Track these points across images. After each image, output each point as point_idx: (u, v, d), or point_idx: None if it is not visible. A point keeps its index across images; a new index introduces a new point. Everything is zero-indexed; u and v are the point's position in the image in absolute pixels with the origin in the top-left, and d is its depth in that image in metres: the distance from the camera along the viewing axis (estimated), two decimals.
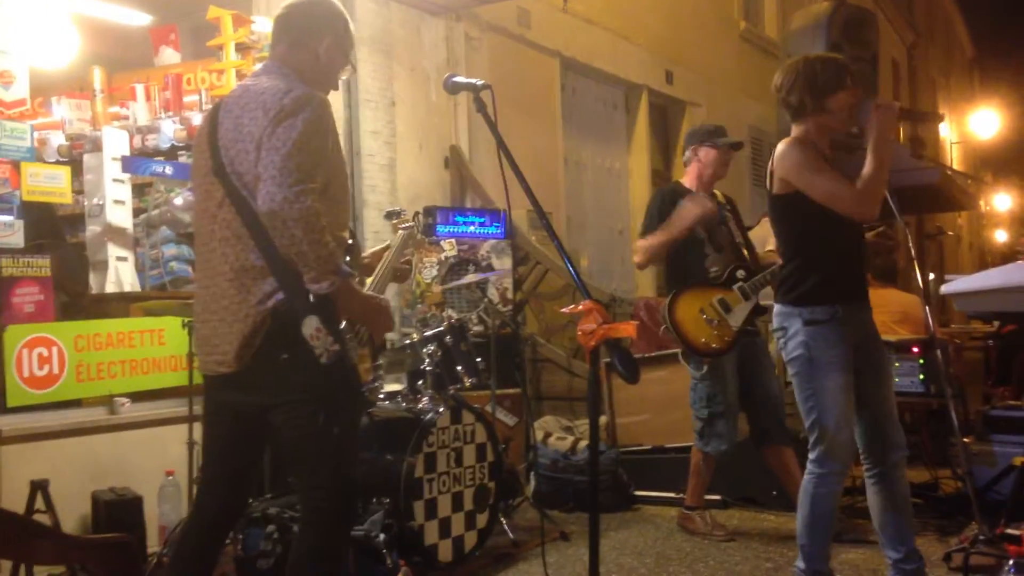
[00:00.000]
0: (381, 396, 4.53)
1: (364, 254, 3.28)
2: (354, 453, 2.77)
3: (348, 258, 2.76)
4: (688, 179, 4.81)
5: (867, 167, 3.23)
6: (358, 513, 3.65)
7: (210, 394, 2.85)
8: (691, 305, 4.54)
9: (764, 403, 4.68)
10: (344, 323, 2.65)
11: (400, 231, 3.64)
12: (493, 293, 6.04)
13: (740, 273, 4.56)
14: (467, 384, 4.41)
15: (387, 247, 3.48)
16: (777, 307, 3.43)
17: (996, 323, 7.60)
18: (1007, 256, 21.00)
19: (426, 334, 4.46)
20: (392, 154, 6.53)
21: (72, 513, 4.18)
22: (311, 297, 2.58)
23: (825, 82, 3.29)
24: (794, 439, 4.65)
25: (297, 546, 2.81)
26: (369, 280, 3.29)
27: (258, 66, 3.35)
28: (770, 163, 3.40)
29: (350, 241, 2.84)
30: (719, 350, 4.53)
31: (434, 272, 6.04)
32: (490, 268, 6.11)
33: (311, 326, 2.56)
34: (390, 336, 6.17)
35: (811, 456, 3.35)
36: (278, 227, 2.51)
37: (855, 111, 3.32)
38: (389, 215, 3.89)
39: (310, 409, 2.62)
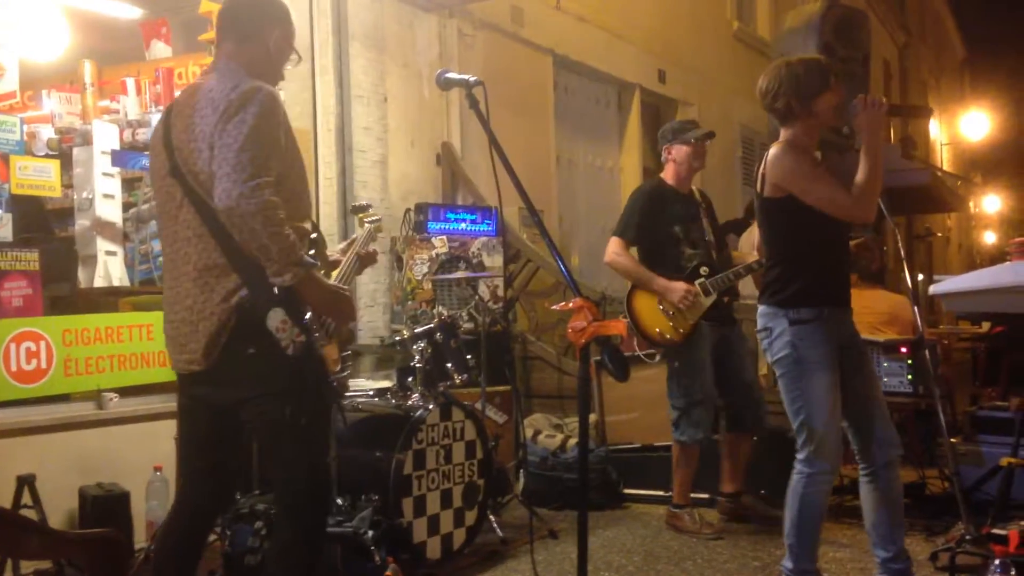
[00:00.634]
0: (370, 392, 4.54)
1: (331, 252, 3.27)
2: (325, 443, 2.82)
3: (312, 251, 2.77)
4: (668, 176, 4.88)
5: (861, 171, 3.24)
6: (333, 503, 3.64)
7: (183, 390, 2.86)
8: (650, 296, 4.67)
9: (737, 389, 4.78)
10: (310, 314, 2.65)
11: (366, 225, 3.61)
12: (484, 290, 6.03)
13: (704, 269, 4.68)
14: (457, 381, 4.41)
15: (353, 241, 3.47)
16: (762, 308, 3.45)
17: (987, 324, 7.63)
18: (996, 258, 21.11)
19: (416, 331, 4.46)
20: (384, 150, 6.52)
21: (59, 508, 4.16)
22: (275, 290, 2.59)
23: (809, 85, 3.31)
24: (782, 435, 4.68)
25: (275, 538, 2.82)
26: (335, 273, 3.28)
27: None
28: (761, 166, 3.41)
29: (314, 235, 2.85)
30: (672, 341, 4.66)
31: (425, 269, 6.04)
32: (481, 266, 6.10)
33: (276, 318, 2.58)
34: (380, 332, 6.17)
35: (799, 456, 3.36)
36: (237, 223, 2.52)
37: (841, 109, 3.34)
38: (355, 209, 3.85)
39: (279, 402, 2.63)
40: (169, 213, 2.74)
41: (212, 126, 2.58)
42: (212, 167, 2.56)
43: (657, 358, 4.85)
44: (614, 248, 4.76)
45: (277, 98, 2.69)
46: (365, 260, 3.43)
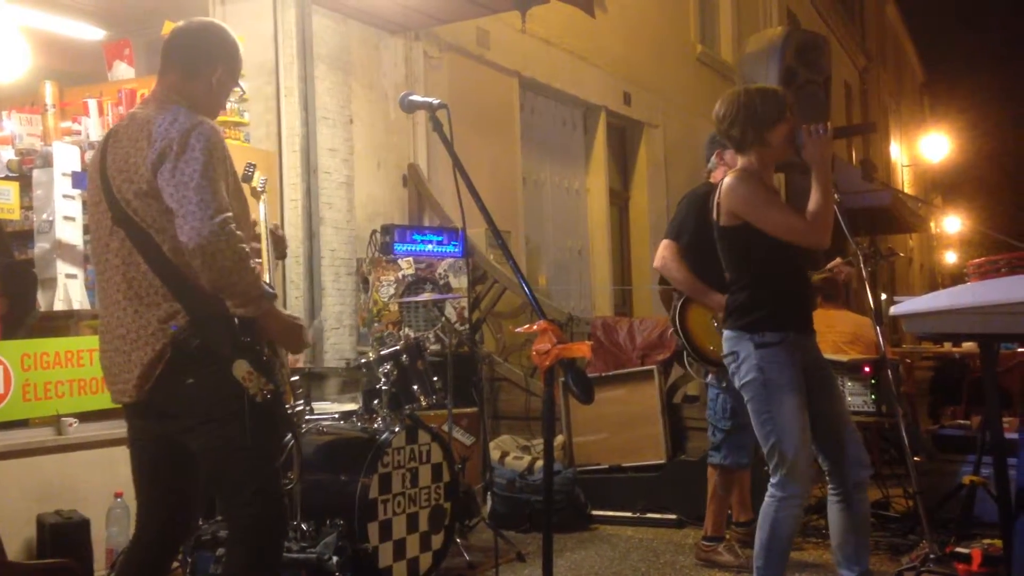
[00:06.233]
0: (335, 415, 4.50)
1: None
2: (275, 464, 2.78)
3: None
4: (716, 182, 4.56)
5: (813, 199, 3.28)
6: (288, 526, 3.58)
7: (129, 421, 2.82)
8: (704, 311, 4.46)
9: None
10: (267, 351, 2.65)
11: (263, 199, 3.45)
12: (451, 312, 6.02)
13: None
14: (424, 403, 4.38)
15: (256, 224, 3.33)
16: (727, 332, 3.46)
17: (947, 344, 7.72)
18: (957, 277, 21.43)
19: (382, 353, 4.43)
20: (350, 172, 6.51)
21: (16, 536, 4.07)
22: (232, 321, 2.57)
23: (765, 115, 3.35)
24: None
25: (228, 563, 2.77)
26: (264, 269, 3.25)
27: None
28: (716, 195, 3.45)
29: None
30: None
31: (391, 290, 6.01)
32: (448, 287, 6.09)
33: (242, 369, 2.55)
34: (346, 354, 6.13)
35: (772, 480, 3.36)
36: (207, 261, 2.49)
37: (792, 139, 3.37)
38: (244, 178, 3.26)
39: (224, 428, 2.60)
40: (100, 240, 2.72)
41: (144, 157, 2.56)
42: (162, 204, 2.54)
43: (710, 377, 4.55)
44: (665, 253, 4.48)
45: (218, 130, 2.69)
46: (279, 244, 3.36)
